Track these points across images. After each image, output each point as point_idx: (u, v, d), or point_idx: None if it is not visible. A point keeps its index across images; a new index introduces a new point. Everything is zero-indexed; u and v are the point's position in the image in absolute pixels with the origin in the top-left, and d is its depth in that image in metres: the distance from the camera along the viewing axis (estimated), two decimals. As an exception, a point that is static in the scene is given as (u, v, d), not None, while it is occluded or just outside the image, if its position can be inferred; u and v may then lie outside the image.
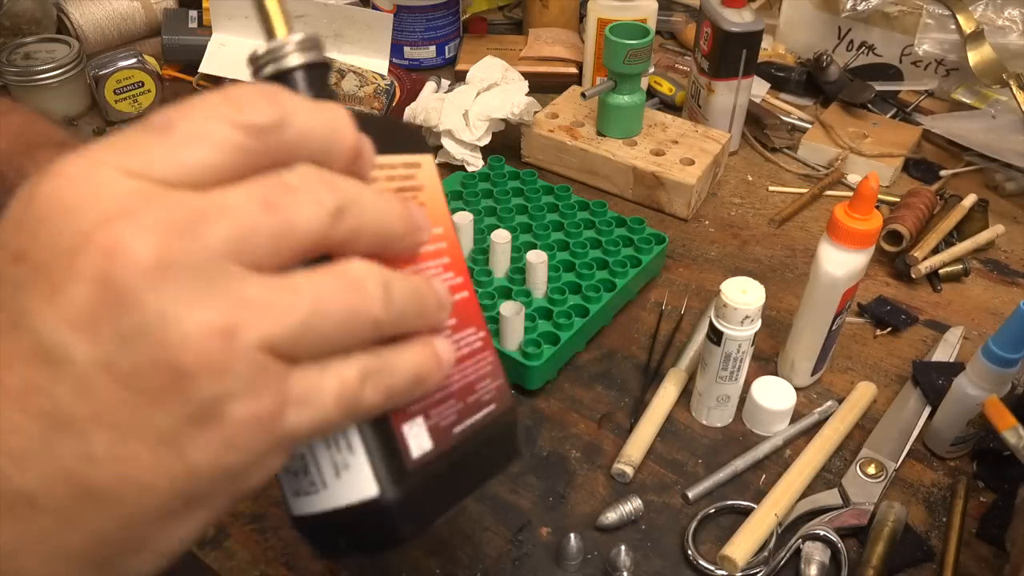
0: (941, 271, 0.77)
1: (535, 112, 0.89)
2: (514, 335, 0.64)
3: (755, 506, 0.56)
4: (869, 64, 1.06)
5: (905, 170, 0.93)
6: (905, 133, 0.94)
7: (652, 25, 0.92)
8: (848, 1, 1.01)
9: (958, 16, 0.97)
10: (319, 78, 0.28)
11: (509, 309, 0.63)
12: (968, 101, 0.99)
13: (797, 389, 0.63)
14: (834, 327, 0.62)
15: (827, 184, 0.89)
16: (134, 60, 0.95)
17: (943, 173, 0.91)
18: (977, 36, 0.96)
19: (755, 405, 0.62)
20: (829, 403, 0.64)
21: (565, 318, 0.66)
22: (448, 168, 0.90)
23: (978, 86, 0.99)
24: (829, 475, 0.60)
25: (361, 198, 0.25)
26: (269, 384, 0.22)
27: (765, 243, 0.82)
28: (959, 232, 0.81)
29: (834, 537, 0.54)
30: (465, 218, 0.73)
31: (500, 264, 0.71)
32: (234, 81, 0.99)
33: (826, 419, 0.62)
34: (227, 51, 1.01)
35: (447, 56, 1.11)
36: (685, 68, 1.08)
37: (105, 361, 0.21)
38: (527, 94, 0.88)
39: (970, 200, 0.82)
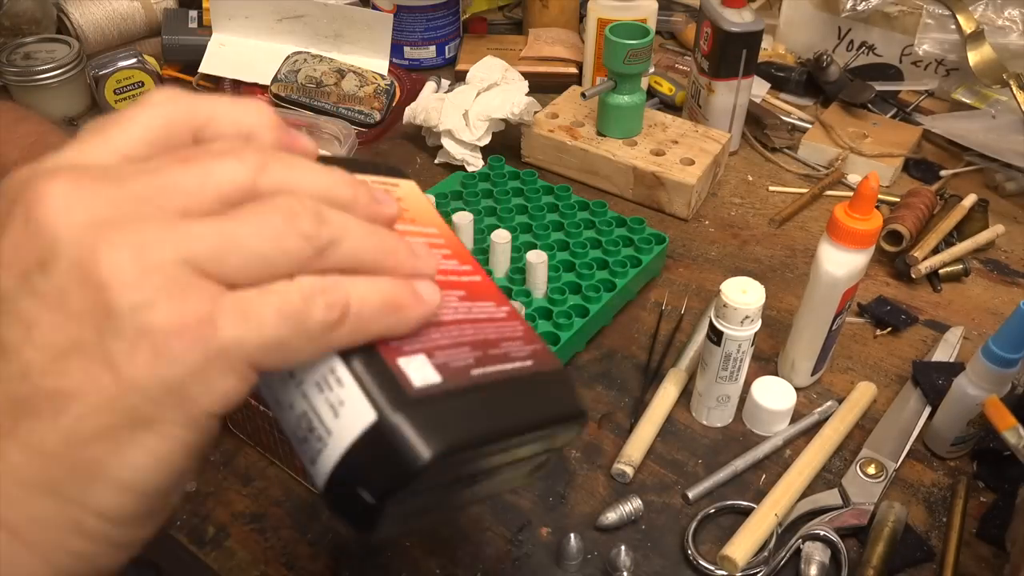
0: (941, 271, 0.77)
1: (535, 112, 0.89)
2: (514, 335, 0.64)
3: (755, 506, 0.56)
4: (869, 64, 1.06)
5: (905, 170, 0.93)
6: (905, 133, 0.94)
7: (652, 25, 0.92)
8: (848, 1, 1.01)
9: (958, 16, 0.97)
10: None
11: (509, 309, 0.63)
12: (968, 101, 0.99)
13: (797, 389, 0.63)
14: (834, 327, 0.62)
15: (827, 184, 0.89)
16: (134, 60, 0.95)
17: (943, 173, 0.91)
18: (977, 36, 0.96)
19: (755, 405, 0.62)
20: (829, 403, 0.64)
21: (565, 318, 0.66)
22: (448, 168, 0.90)
23: (978, 86, 0.99)
24: (829, 475, 0.60)
25: (283, 158, 0.27)
26: (192, 295, 0.23)
27: (765, 243, 0.82)
28: (959, 232, 0.81)
29: (834, 537, 0.54)
30: (465, 218, 0.73)
31: (500, 264, 0.71)
32: (234, 81, 0.99)
33: (826, 419, 0.62)
34: (227, 51, 1.01)
35: (447, 56, 1.11)
36: (685, 68, 1.08)
37: (31, 289, 0.23)
38: (527, 94, 0.88)
39: (970, 200, 0.82)
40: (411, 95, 0.99)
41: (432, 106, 0.88)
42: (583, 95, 0.87)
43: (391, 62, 1.05)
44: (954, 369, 0.62)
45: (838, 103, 0.99)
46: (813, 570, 0.53)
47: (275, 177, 0.26)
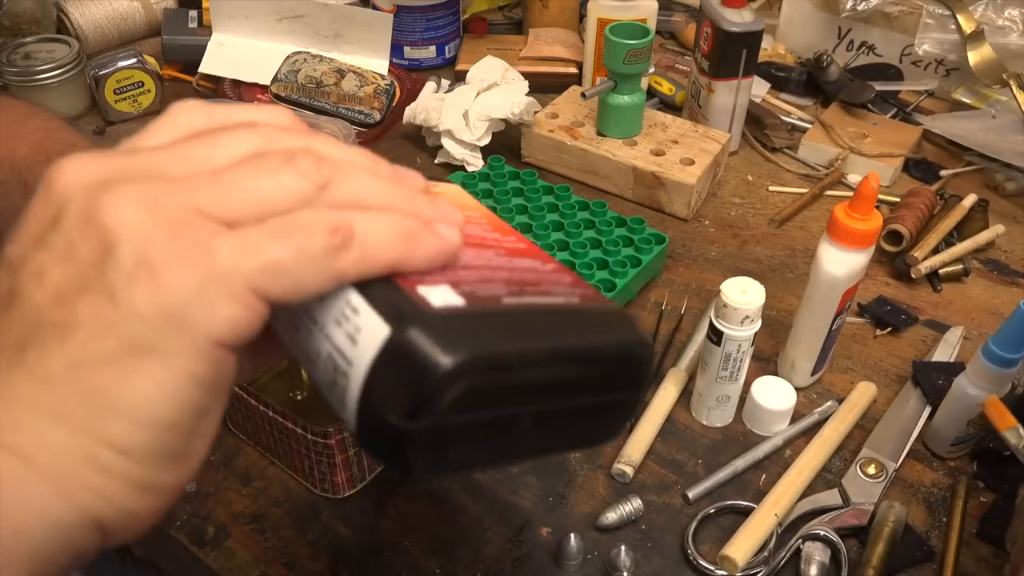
0: (941, 271, 0.77)
1: (535, 112, 0.89)
2: (514, 335, 0.64)
3: (755, 506, 0.56)
4: (869, 64, 1.06)
5: (905, 170, 0.93)
6: (905, 133, 0.94)
7: (652, 25, 0.92)
8: (848, 1, 1.01)
9: (958, 16, 0.97)
10: None
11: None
12: (968, 101, 0.99)
13: (797, 389, 0.63)
14: (834, 327, 0.62)
15: (827, 184, 0.89)
16: (134, 60, 0.95)
17: (943, 173, 0.91)
18: (977, 36, 0.96)
19: (755, 405, 0.62)
20: (829, 403, 0.64)
21: (565, 318, 0.65)
22: (448, 168, 0.90)
23: (978, 86, 0.99)
24: (829, 475, 0.60)
25: (301, 133, 0.28)
26: (190, 229, 0.24)
27: (765, 243, 0.82)
28: (959, 232, 0.81)
29: (834, 537, 0.54)
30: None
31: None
32: (234, 81, 0.99)
33: (826, 419, 0.62)
34: (227, 51, 1.01)
35: (447, 56, 1.11)
36: (685, 68, 1.08)
37: (43, 244, 0.25)
38: (527, 94, 0.88)
39: (970, 200, 0.82)
40: (411, 95, 0.99)
41: (432, 106, 0.88)
42: (583, 95, 0.87)
43: (391, 62, 1.05)
44: (954, 369, 0.62)
45: (838, 103, 0.99)
46: (813, 570, 0.53)
47: (288, 142, 0.27)
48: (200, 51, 1.00)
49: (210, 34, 1.01)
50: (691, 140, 0.88)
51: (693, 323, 0.71)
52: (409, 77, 1.05)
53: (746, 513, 0.56)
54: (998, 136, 0.91)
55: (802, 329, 0.63)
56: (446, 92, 0.92)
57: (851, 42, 1.07)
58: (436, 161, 0.91)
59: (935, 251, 0.78)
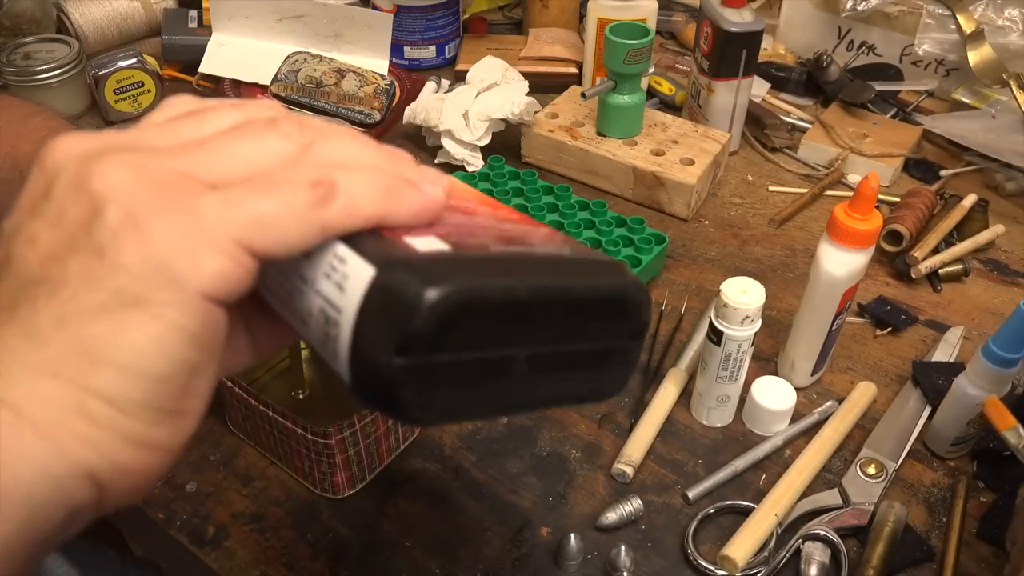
0: (941, 271, 0.77)
1: (535, 112, 0.89)
2: (514, 335, 0.64)
3: (755, 506, 0.56)
4: (869, 64, 1.06)
5: (905, 170, 0.93)
6: (905, 133, 0.94)
7: (652, 25, 0.92)
8: (848, 1, 1.01)
9: (958, 16, 0.97)
10: None
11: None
12: (968, 101, 0.99)
13: (797, 389, 0.63)
14: (834, 327, 0.62)
15: (827, 184, 0.89)
16: (134, 60, 0.95)
17: (943, 173, 0.91)
18: (977, 36, 0.96)
19: (755, 405, 0.62)
20: (829, 403, 0.64)
21: (565, 318, 0.65)
22: (448, 168, 0.90)
23: (978, 86, 0.99)
24: (829, 475, 0.60)
25: (291, 114, 0.29)
26: (176, 188, 0.25)
27: (765, 243, 0.82)
28: (959, 232, 0.81)
29: (834, 537, 0.54)
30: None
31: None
32: (234, 81, 0.99)
33: (826, 419, 0.62)
34: (227, 51, 1.01)
35: (447, 56, 1.11)
36: (685, 68, 1.08)
37: (36, 213, 0.26)
38: (527, 94, 0.88)
39: (970, 200, 0.82)
40: (411, 95, 0.99)
41: (432, 106, 0.88)
42: (583, 95, 0.87)
43: (391, 62, 1.05)
44: (954, 369, 0.62)
45: (838, 103, 0.99)
46: (813, 570, 0.53)
47: (272, 115, 0.28)
48: (200, 51, 1.00)
49: (210, 34, 1.01)
50: (691, 140, 0.88)
51: (693, 323, 0.71)
52: (409, 77, 1.05)
53: (746, 513, 0.56)
54: (998, 136, 0.91)
55: (802, 329, 0.63)
56: (446, 92, 0.92)
57: (851, 42, 1.07)
58: (436, 161, 0.91)
59: (935, 251, 0.78)
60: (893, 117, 0.99)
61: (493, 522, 0.56)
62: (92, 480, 0.24)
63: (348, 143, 0.29)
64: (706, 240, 0.82)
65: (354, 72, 0.97)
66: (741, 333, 0.57)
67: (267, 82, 0.96)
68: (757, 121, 0.98)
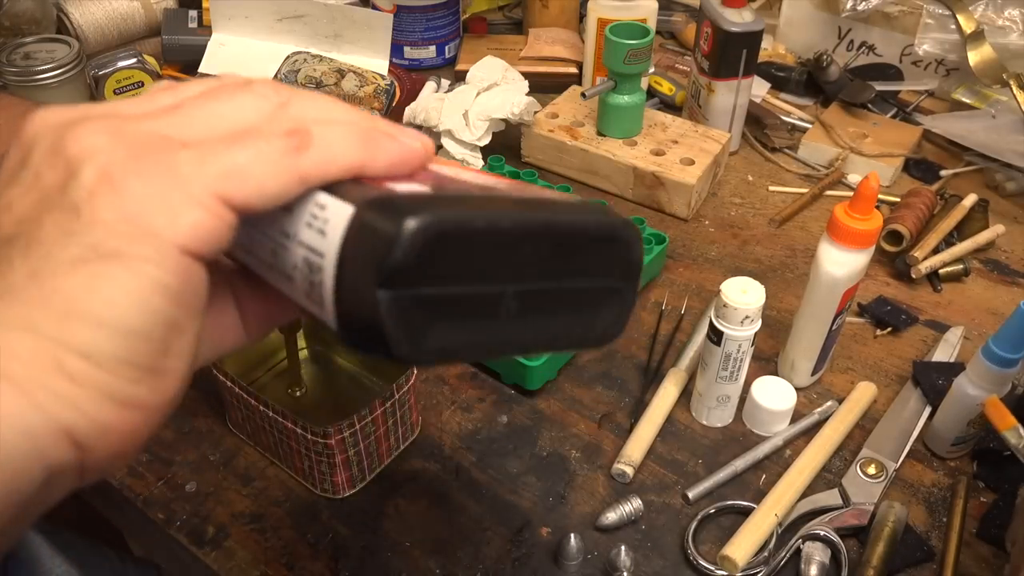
0: (941, 271, 0.77)
1: (535, 112, 0.89)
2: (514, 335, 0.64)
3: (755, 506, 0.56)
4: (869, 64, 1.06)
5: (905, 170, 0.93)
6: (905, 133, 0.94)
7: (652, 25, 0.92)
8: (848, 1, 1.01)
9: (958, 16, 0.97)
10: None
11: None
12: (968, 101, 0.99)
13: (797, 389, 0.63)
14: (834, 327, 0.62)
15: (827, 184, 0.89)
16: (134, 60, 0.95)
17: (943, 173, 0.91)
18: (977, 36, 0.96)
19: (755, 405, 0.62)
20: (829, 403, 0.64)
21: (565, 318, 0.65)
22: (448, 168, 0.90)
23: (978, 86, 0.99)
24: (829, 475, 0.60)
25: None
26: (151, 146, 0.25)
27: (765, 243, 0.82)
28: (959, 232, 0.81)
29: (834, 537, 0.54)
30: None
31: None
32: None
33: (826, 419, 0.62)
34: (227, 51, 1.01)
35: (447, 56, 1.11)
36: (685, 68, 1.08)
37: (14, 181, 0.26)
38: (527, 94, 0.88)
39: (970, 200, 0.82)
40: (411, 95, 0.99)
41: (432, 106, 0.88)
42: (583, 95, 0.87)
43: (391, 62, 1.05)
44: (954, 369, 0.62)
45: (838, 103, 0.99)
46: (813, 570, 0.53)
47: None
48: (200, 51, 1.00)
49: (210, 34, 1.01)
50: (691, 140, 0.88)
51: (693, 323, 0.71)
52: (409, 77, 1.05)
53: (746, 513, 0.56)
54: (998, 136, 0.91)
55: (802, 329, 0.63)
56: (446, 92, 0.92)
57: (851, 42, 1.07)
58: (436, 161, 0.91)
59: (935, 251, 0.78)
60: (893, 117, 0.99)
61: (493, 522, 0.56)
62: (71, 439, 0.23)
63: (325, 101, 0.29)
64: (706, 240, 0.82)
65: (354, 72, 0.97)
66: (741, 333, 0.57)
67: (267, 82, 0.96)
68: (757, 121, 0.98)
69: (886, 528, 0.54)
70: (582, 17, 1.12)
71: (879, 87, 1.00)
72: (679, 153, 0.86)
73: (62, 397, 0.23)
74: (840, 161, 0.91)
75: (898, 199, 0.85)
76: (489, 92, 0.89)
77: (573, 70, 1.06)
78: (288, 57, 0.97)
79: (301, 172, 0.26)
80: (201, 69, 0.99)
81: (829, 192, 0.89)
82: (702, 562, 0.53)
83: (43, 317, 0.23)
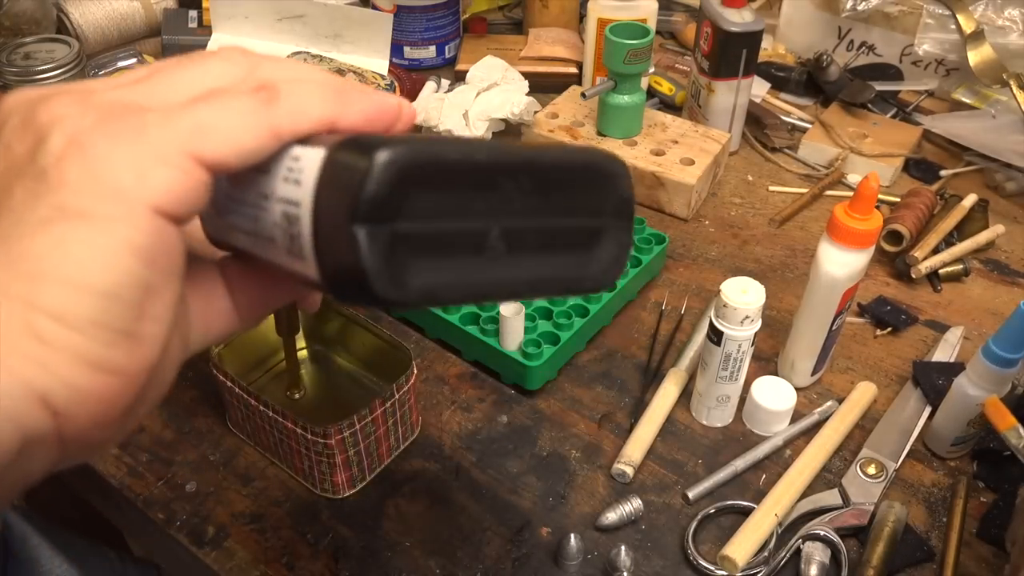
0: (941, 271, 0.77)
1: (535, 112, 0.89)
2: (514, 335, 0.64)
3: (755, 506, 0.56)
4: (869, 64, 1.06)
5: (905, 170, 0.93)
6: (905, 133, 0.94)
7: (652, 25, 0.92)
8: (848, 1, 1.01)
9: (958, 16, 0.97)
10: None
11: (509, 309, 0.63)
12: (968, 101, 0.99)
13: (797, 389, 0.63)
14: (834, 327, 0.62)
15: (827, 184, 0.89)
16: (134, 60, 0.95)
17: (943, 173, 0.91)
18: (977, 36, 0.96)
19: (755, 405, 0.62)
20: (829, 403, 0.64)
21: (565, 318, 0.66)
22: (448, 168, 0.90)
23: (978, 86, 0.99)
24: (829, 475, 0.60)
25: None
26: (119, 110, 0.25)
27: (765, 243, 0.82)
28: (959, 232, 0.81)
29: (834, 537, 0.54)
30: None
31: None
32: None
33: (826, 419, 0.62)
34: (227, 51, 1.01)
35: (447, 56, 1.11)
36: (685, 68, 1.08)
37: None
38: (527, 94, 0.88)
39: (970, 200, 0.82)
40: (411, 95, 0.99)
41: (432, 106, 0.88)
42: (583, 95, 0.87)
43: (391, 62, 1.05)
44: (954, 369, 0.62)
45: (838, 103, 0.99)
46: (813, 570, 0.53)
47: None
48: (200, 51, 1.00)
49: (210, 34, 1.01)
50: (691, 140, 0.88)
51: (693, 323, 0.71)
52: (409, 77, 1.05)
53: (746, 513, 0.56)
54: (998, 136, 0.91)
55: (802, 329, 0.63)
56: (446, 92, 0.92)
57: (851, 42, 1.07)
58: (436, 161, 0.91)
59: (935, 251, 0.78)
60: (893, 117, 0.99)
61: (493, 522, 0.56)
62: (46, 404, 0.23)
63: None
64: (706, 240, 0.82)
65: (354, 72, 0.97)
66: (741, 333, 0.57)
67: (267, 82, 0.96)
68: (757, 121, 0.98)
69: (886, 528, 0.54)
70: (582, 17, 1.12)
71: (879, 87, 1.00)
72: (679, 153, 0.86)
73: (35, 360, 0.22)
74: (840, 161, 0.91)
75: (898, 199, 0.85)
76: (489, 92, 0.89)
77: (573, 70, 1.06)
78: (288, 57, 0.97)
79: (273, 125, 0.26)
80: (201, 69, 0.99)
81: (829, 192, 0.89)
82: (702, 562, 0.53)
83: (11, 279, 0.23)
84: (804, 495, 0.57)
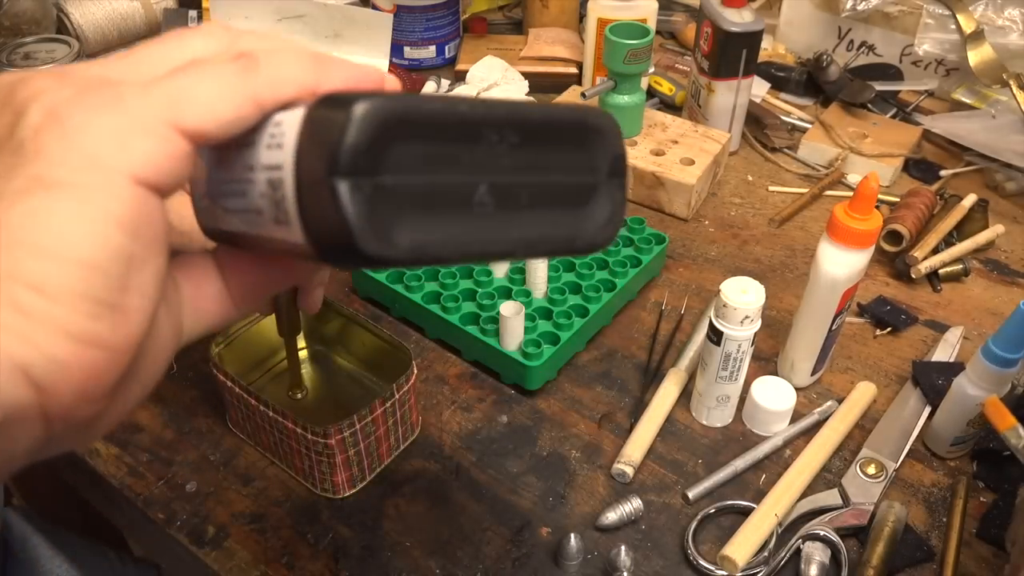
0: (941, 271, 0.77)
1: (535, 112, 0.89)
2: (514, 335, 0.64)
3: (755, 506, 0.56)
4: (869, 64, 1.06)
5: (905, 170, 0.93)
6: (905, 133, 0.94)
7: (652, 25, 0.92)
8: (848, 1, 1.01)
9: (958, 16, 0.97)
10: None
11: (509, 309, 0.63)
12: (968, 101, 0.99)
13: (797, 389, 0.63)
14: (834, 327, 0.62)
15: (827, 184, 0.89)
16: (134, 60, 0.95)
17: (943, 173, 0.91)
18: (977, 36, 0.96)
19: (755, 405, 0.62)
20: (829, 403, 0.64)
21: (565, 318, 0.66)
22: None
23: (978, 86, 0.99)
24: (829, 475, 0.60)
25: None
26: (99, 84, 0.25)
27: (765, 243, 0.82)
28: (959, 232, 0.81)
29: (834, 537, 0.54)
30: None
31: (500, 264, 0.71)
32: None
33: (826, 419, 0.62)
34: (227, 51, 1.01)
35: (447, 56, 1.11)
36: (685, 68, 1.08)
37: None
38: (527, 94, 0.88)
39: (970, 200, 0.82)
40: (411, 95, 0.99)
41: (432, 106, 0.88)
42: (583, 95, 0.87)
43: (391, 62, 1.05)
44: (954, 369, 0.62)
45: (838, 103, 0.99)
46: (813, 570, 0.53)
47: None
48: (200, 51, 1.00)
49: (210, 34, 1.01)
50: (691, 140, 0.88)
51: (693, 323, 0.71)
52: (409, 77, 1.05)
53: (746, 513, 0.56)
54: (998, 136, 0.91)
55: (802, 329, 0.63)
56: (446, 92, 0.92)
57: (851, 42, 1.07)
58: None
59: (935, 251, 0.78)
60: (893, 117, 0.99)
61: (493, 522, 0.56)
62: (27, 378, 0.22)
63: (278, 36, 0.29)
64: (706, 240, 0.82)
65: (354, 72, 0.97)
66: (741, 333, 0.57)
67: (267, 82, 0.96)
68: (757, 121, 0.98)
69: (886, 528, 0.54)
70: (582, 17, 1.12)
71: (879, 87, 1.00)
72: (679, 153, 0.86)
73: (15, 332, 0.22)
74: (840, 161, 0.91)
75: (898, 199, 0.85)
76: (489, 92, 0.89)
77: (573, 70, 1.06)
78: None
79: (253, 93, 0.26)
80: (201, 69, 0.99)
81: (829, 192, 0.89)
82: (702, 562, 0.53)
83: None
84: (804, 495, 0.57)
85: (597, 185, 0.30)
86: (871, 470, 0.58)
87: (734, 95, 0.89)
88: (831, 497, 0.57)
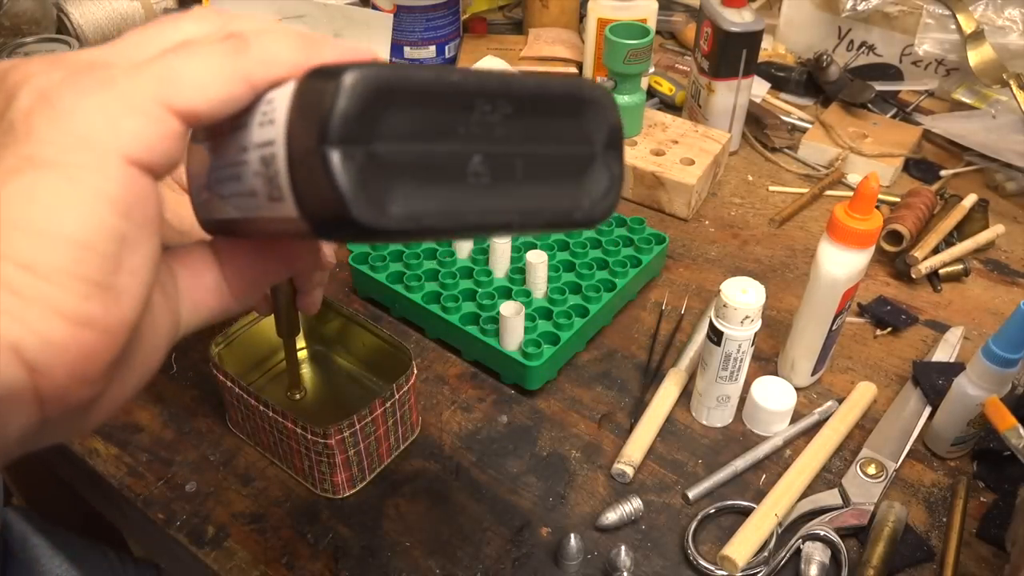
0: (941, 271, 0.77)
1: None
2: (514, 335, 0.64)
3: (755, 506, 0.56)
4: (869, 64, 1.06)
5: (905, 170, 0.93)
6: (905, 133, 0.94)
7: (652, 25, 0.92)
8: (848, 1, 1.01)
9: (958, 16, 0.97)
10: None
11: (509, 309, 0.63)
12: (968, 101, 0.99)
13: (797, 389, 0.63)
14: (834, 327, 0.62)
15: (827, 184, 0.89)
16: (134, 60, 0.95)
17: (943, 173, 0.91)
18: (977, 36, 0.96)
19: (755, 405, 0.62)
20: (829, 403, 0.64)
21: (565, 318, 0.66)
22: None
23: (978, 86, 0.99)
24: (829, 475, 0.60)
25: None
26: (90, 67, 0.25)
27: (765, 243, 0.82)
28: (959, 232, 0.81)
29: (834, 537, 0.54)
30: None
31: (500, 264, 0.71)
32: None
33: (826, 419, 0.62)
34: (227, 51, 1.01)
35: (447, 56, 1.11)
36: (685, 68, 1.08)
37: None
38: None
39: (970, 200, 0.82)
40: (411, 95, 0.99)
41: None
42: (583, 95, 0.87)
43: (391, 62, 1.05)
44: (954, 369, 0.62)
45: (838, 103, 0.99)
46: (813, 570, 0.53)
47: None
48: (200, 51, 1.00)
49: (210, 34, 1.01)
50: (691, 140, 0.88)
51: (693, 323, 0.71)
52: (409, 77, 1.04)
53: (746, 513, 0.56)
54: (998, 136, 0.91)
55: (802, 329, 0.63)
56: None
57: (851, 42, 1.07)
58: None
59: (935, 251, 0.78)
60: (893, 117, 0.99)
61: (493, 522, 0.56)
62: (20, 357, 0.22)
63: (271, 21, 0.28)
64: (706, 240, 0.82)
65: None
66: (741, 333, 0.57)
67: (267, 82, 0.96)
68: (757, 121, 0.98)
69: (886, 528, 0.54)
70: (582, 17, 1.12)
71: (879, 87, 1.00)
72: (679, 153, 0.86)
73: (7, 311, 0.22)
74: (840, 161, 0.91)
75: (898, 199, 0.85)
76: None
77: (573, 70, 1.06)
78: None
79: (244, 73, 0.26)
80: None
81: (829, 192, 0.89)
82: (702, 562, 0.53)
83: None
84: (804, 495, 0.57)
85: (593, 156, 0.30)
86: (871, 470, 0.58)
87: (734, 95, 0.89)
88: (831, 497, 0.57)
